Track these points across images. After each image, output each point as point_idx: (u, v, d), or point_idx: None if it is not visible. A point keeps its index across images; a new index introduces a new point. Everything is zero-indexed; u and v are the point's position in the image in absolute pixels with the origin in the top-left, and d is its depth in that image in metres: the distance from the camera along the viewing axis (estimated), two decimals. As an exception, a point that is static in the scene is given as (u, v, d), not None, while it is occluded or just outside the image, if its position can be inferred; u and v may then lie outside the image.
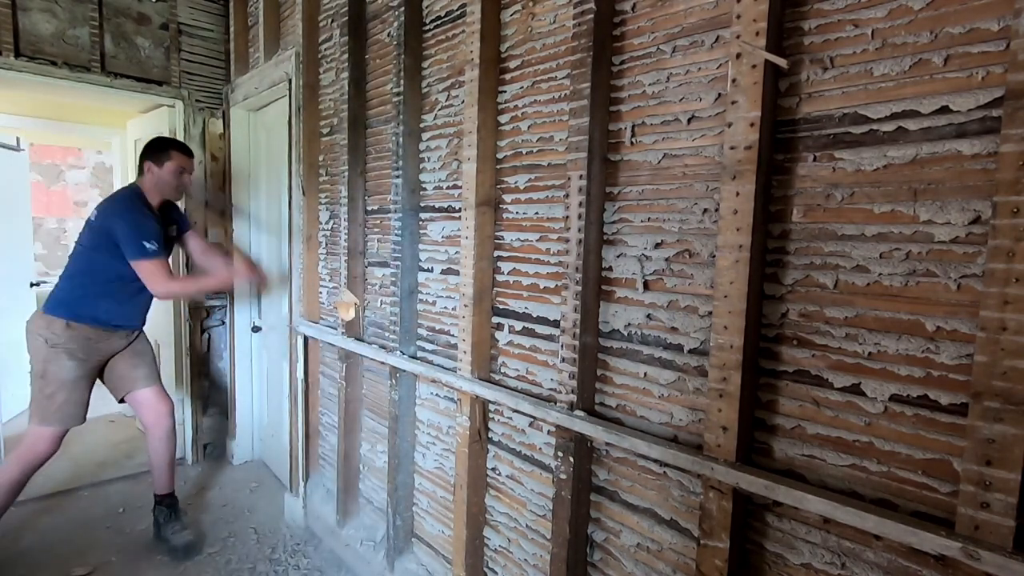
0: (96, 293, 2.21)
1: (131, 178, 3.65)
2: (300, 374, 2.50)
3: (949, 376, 0.86)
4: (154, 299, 2.34)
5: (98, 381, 2.34)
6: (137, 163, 2.32)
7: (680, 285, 1.18)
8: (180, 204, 2.78)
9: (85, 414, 2.25)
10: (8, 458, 2.20)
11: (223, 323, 3.25)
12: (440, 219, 1.80)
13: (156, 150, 2.30)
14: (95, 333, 2.23)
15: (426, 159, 1.85)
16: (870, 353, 0.93)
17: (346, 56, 2.09)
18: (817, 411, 1.00)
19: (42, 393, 2.15)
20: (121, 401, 2.42)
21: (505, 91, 1.56)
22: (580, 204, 1.28)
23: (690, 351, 1.16)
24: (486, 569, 1.69)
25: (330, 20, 2.28)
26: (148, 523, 2.55)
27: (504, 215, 1.59)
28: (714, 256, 1.10)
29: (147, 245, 2.14)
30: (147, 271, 2.17)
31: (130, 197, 2.25)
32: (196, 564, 2.30)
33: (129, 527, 2.55)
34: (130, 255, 2.14)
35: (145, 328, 2.45)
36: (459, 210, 1.70)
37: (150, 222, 2.20)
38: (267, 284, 2.85)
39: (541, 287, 1.48)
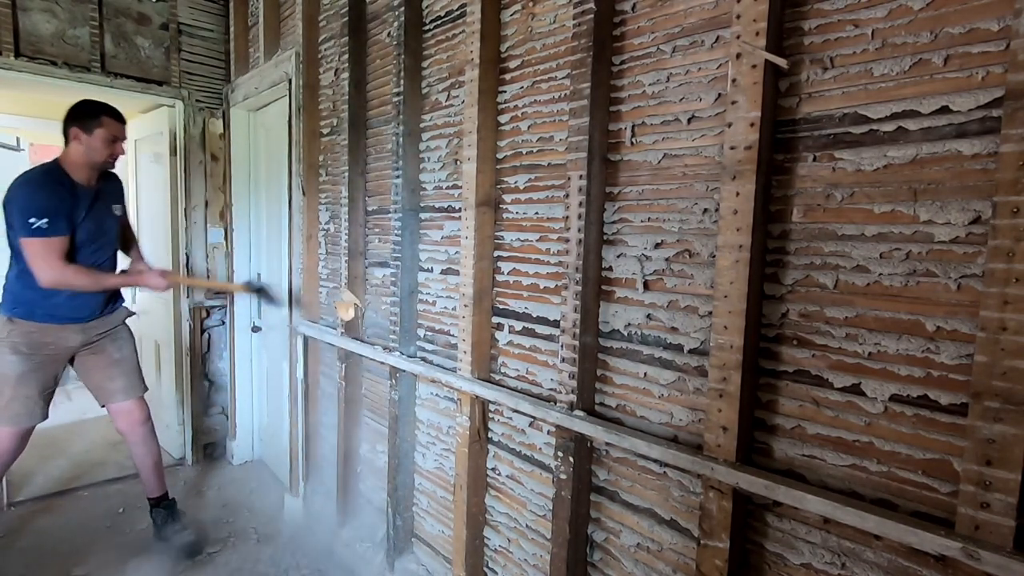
0: (32, 286, 2.01)
1: (131, 178, 3.67)
2: (300, 374, 2.50)
3: (949, 376, 0.86)
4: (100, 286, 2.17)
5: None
6: (62, 130, 2.06)
7: (680, 285, 1.18)
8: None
9: (42, 411, 2.13)
10: None
11: (223, 323, 3.25)
12: (440, 219, 1.80)
13: (84, 115, 2.05)
14: (39, 329, 2.08)
15: (426, 159, 1.85)
16: (870, 353, 0.93)
17: (346, 56, 2.09)
18: (817, 411, 1.00)
19: None
20: (103, 406, 2.35)
21: (505, 91, 1.56)
22: (580, 204, 1.28)
23: (690, 351, 1.16)
24: (486, 569, 1.69)
25: (330, 20, 2.28)
26: (148, 523, 2.55)
27: (504, 215, 1.59)
28: (714, 256, 1.10)
29: (33, 221, 1.89)
30: (32, 252, 1.94)
31: (38, 172, 2.03)
32: (197, 564, 2.30)
33: (129, 527, 2.55)
34: (17, 232, 1.95)
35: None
36: (459, 210, 1.70)
37: (51, 198, 1.95)
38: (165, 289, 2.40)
39: (541, 287, 1.48)
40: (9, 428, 2.06)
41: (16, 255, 2.04)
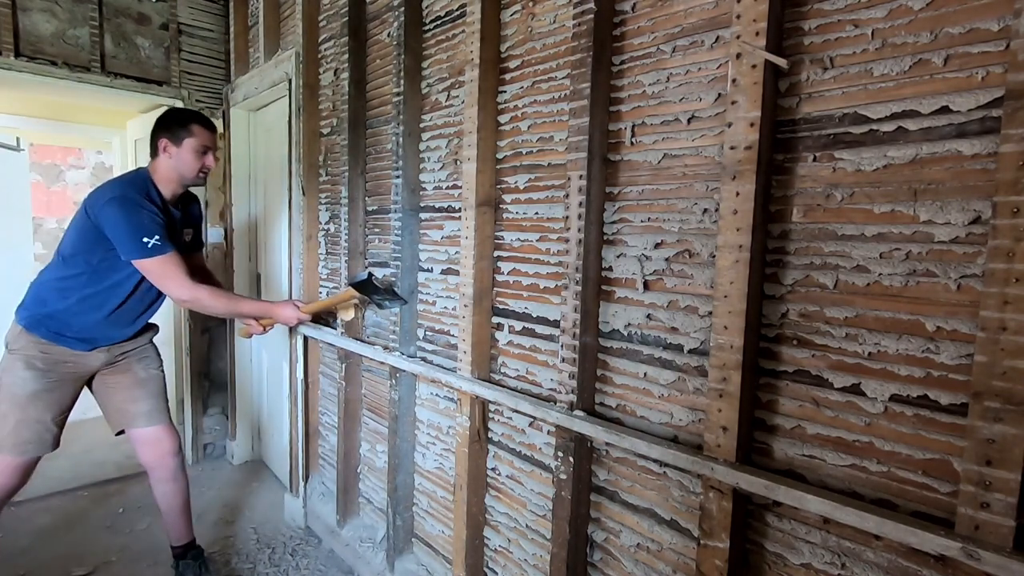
0: (67, 306, 1.80)
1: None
2: (300, 374, 2.50)
3: (949, 376, 0.86)
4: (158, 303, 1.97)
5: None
6: (150, 140, 1.89)
7: (680, 285, 1.18)
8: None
9: (54, 438, 1.84)
10: None
11: (223, 323, 3.25)
12: (440, 219, 1.80)
13: (173, 124, 1.86)
14: (56, 350, 1.82)
15: (426, 159, 1.85)
16: (870, 353, 0.93)
17: (346, 56, 2.09)
18: (817, 411, 1.00)
19: None
20: (119, 433, 2.03)
21: (505, 91, 1.56)
22: (580, 204, 1.28)
23: (690, 351, 1.16)
24: (486, 569, 1.69)
25: (330, 20, 2.28)
26: (148, 523, 2.55)
27: (504, 215, 1.59)
28: (714, 256, 1.10)
29: (146, 239, 1.72)
30: (156, 271, 1.77)
31: (129, 181, 1.83)
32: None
33: (129, 527, 2.55)
34: (126, 252, 1.73)
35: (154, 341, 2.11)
36: (459, 210, 1.70)
37: (151, 213, 1.77)
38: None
39: (541, 287, 1.48)
40: (13, 458, 1.75)
41: (58, 256, 1.84)
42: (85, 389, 1.99)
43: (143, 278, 1.84)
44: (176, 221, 1.93)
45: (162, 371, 2.09)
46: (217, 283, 2.18)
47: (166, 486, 2.03)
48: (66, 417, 1.91)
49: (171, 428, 2.04)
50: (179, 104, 3.00)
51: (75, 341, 1.84)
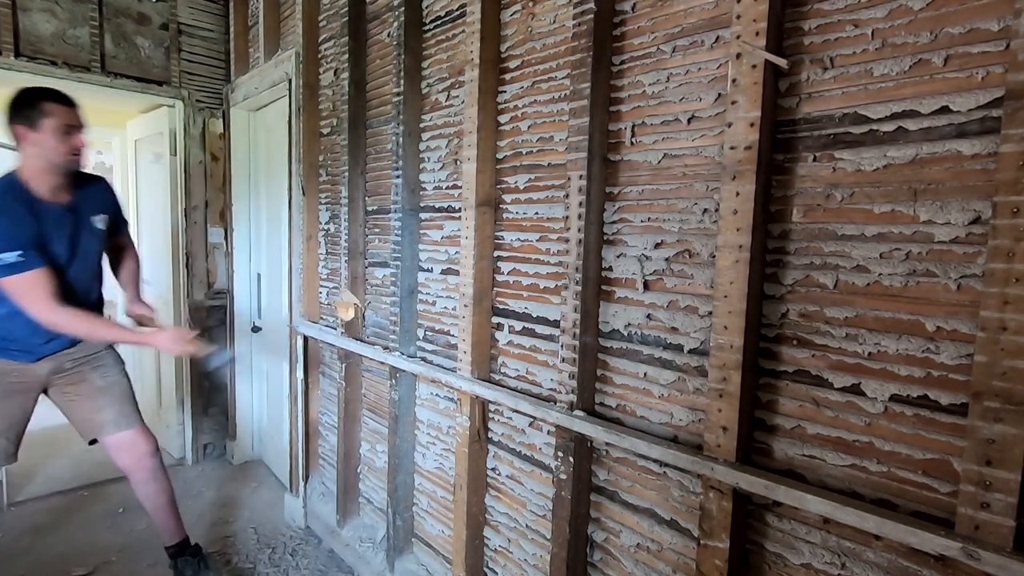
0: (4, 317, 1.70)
1: (131, 178, 3.67)
2: (300, 374, 2.50)
3: (949, 376, 0.86)
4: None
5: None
6: (9, 132, 1.68)
7: (680, 285, 1.18)
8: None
9: (8, 452, 1.83)
10: None
11: (223, 323, 3.25)
12: (440, 219, 1.80)
13: (24, 107, 1.63)
14: (9, 366, 1.77)
15: (426, 159, 1.85)
16: (870, 353, 0.93)
17: (346, 56, 2.09)
18: (817, 411, 1.00)
19: None
20: (92, 443, 1.98)
21: (505, 91, 1.56)
22: (580, 204, 1.28)
23: (690, 351, 1.16)
24: (486, 569, 1.69)
25: (330, 20, 2.28)
26: (148, 523, 2.54)
27: (504, 215, 1.59)
28: (714, 256, 1.10)
29: (11, 254, 1.58)
30: (15, 290, 1.62)
31: None
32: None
33: (129, 527, 2.55)
34: None
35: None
36: (459, 210, 1.70)
37: (15, 223, 1.62)
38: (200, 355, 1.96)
39: (541, 287, 1.48)
40: None
41: None
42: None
43: (71, 292, 1.75)
44: (63, 216, 1.76)
45: (124, 376, 2.02)
46: (136, 271, 2.10)
47: (148, 487, 1.99)
48: (21, 431, 1.87)
49: (144, 430, 1.98)
50: (179, 104, 3.01)
51: (16, 352, 1.78)
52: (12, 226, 1.61)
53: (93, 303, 1.93)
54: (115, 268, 2.10)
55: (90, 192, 1.87)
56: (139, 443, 1.95)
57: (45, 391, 1.92)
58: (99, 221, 1.87)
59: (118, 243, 2.05)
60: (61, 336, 1.82)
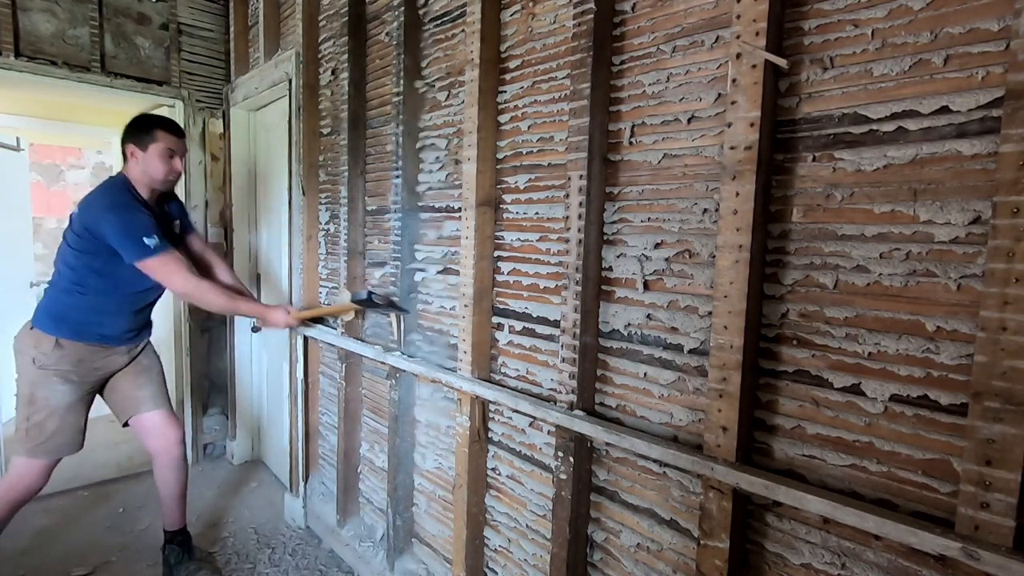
0: (89, 305, 1.90)
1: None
2: (300, 374, 2.50)
3: (949, 376, 0.86)
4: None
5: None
6: (121, 148, 1.95)
7: (680, 285, 1.18)
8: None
9: (82, 441, 2.00)
10: None
11: (223, 323, 3.25)
12: (440, 219, 1.80)
13: (138, 130, 1.91)
14: (90, 352, 1.93)
15: (426, 159, 1.85)
16: (870, 353, 0.93)
17: (346, 56, 2.09)
18: (817, 411, 1.00)
19: (30, 421, 1.87)
20: (125, 425, 2.12)
21: (505, 91, 1.56)
22: (580, 204, 1.28)
23: (690, 351, 1.16)
24: (486, 569, 1.69)
25: (330, 20, 2.28)
26: (148, 523, 2.55)
27: (504, 215, 1.59)
28: (714, 256, 1.10)
29: (147, 241, 1.81)
30: (158, 270, 1.86)
31: (114, 188, 1.90)
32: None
33: (129, 527, 2.55)
34: (130, 256, 1.81)
35: (151, 337, 2.21)
36: (459, 210, 1.70)
37: (143, 214, 1.86)
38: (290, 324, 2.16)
39: (541, 287, 1.48)
40: (46, 461, 1.91)
41: (65, 264, 1.90)
42: None
43: (143, 277, 1.90)
44: (159, 219, 1.97)
45: (160, 361, 2.20)
46: (222, 264, 2.29)
47: (170, 474, 2.12)
48: (87, 419, 2.04)
49: (176, 416, 2.17)
50: (179, 104, 3.01)
51: (100, 338, 1.95)
52: (144, 216, 1.86)
53: (156, 302, 2.14)
54: (211, 271, 2.26)
55: (171, 204, 2.13)
56: (171, 427, 2.12)
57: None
58: (176, 226, 2.13)
59: (196, 245, 2.24)
60: (144, 330, 2.11)
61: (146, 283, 1.94)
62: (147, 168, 1.91)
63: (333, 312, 2.14)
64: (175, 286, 1.91)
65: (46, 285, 2.01)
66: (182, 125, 2.99)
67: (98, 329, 1.94)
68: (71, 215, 1.92)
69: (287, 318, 2.11)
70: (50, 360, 1.88)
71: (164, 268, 1.87)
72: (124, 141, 1.93)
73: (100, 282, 1.90)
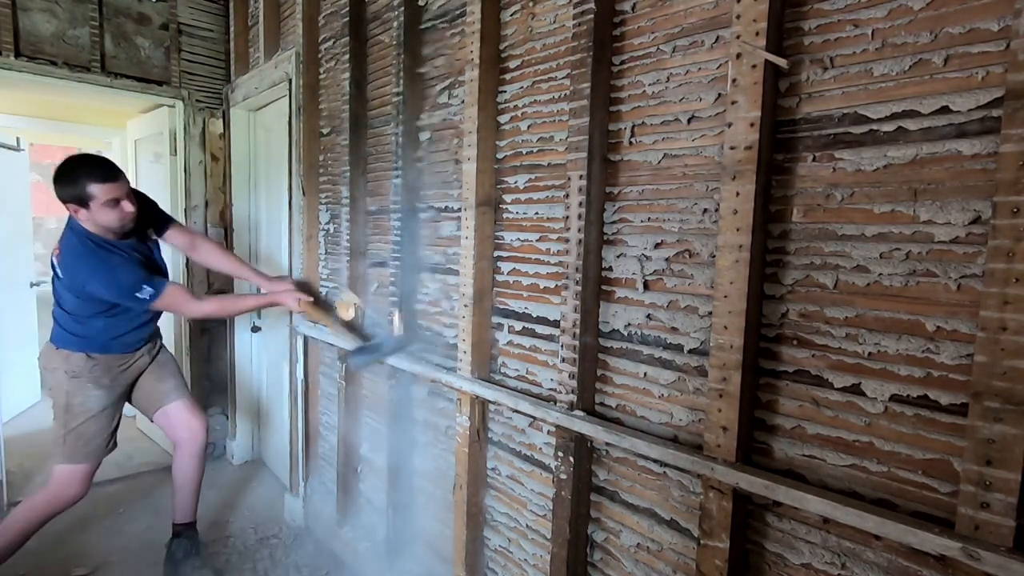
0: (107, 326, 1.97)
1: (132, 178, 3.67)
2: (300, 374, 2.50)
3: (949, 376, 0.86)
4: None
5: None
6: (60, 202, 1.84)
7: (680, 285, 1.18)
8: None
9: (116, 443, 2.10)
10: (30, 499, 2.02)
11: (223, 323, 3.25)
12: (440, 219, 1.80)
13: (69, 188, 1.77)
14: (119, 359, 2.04)
15: (426, 159, 1.85)
16: (870, 353, 0.93)
17: (346, 56, 2.09)
18: (817, 411, 1.00)
19: (67, 428, 1.93)
20: (153, 416, 2.20)
21: (505, 91, 1.56)
22: (580, 204, 1.28)
23: (690, 351, 1.16)
24: (486, 569, 1.69)
25: (330, 20, 2.28)
26: (148, 523, 2.55)
27: (504, 215, 1.59)
28: (714, 256, 1.10)
29: (145, 288, 1.86)
30: (167, 307, 1.98)
31: (82, 245, 1.84)
32: (196, 564, 2.29)
33: (129, 527, 2.55)
34: (139, 308, 1.94)
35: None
36: (459, 210, 1.70)
37: (120, 261, 1.87)
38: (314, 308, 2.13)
39: (541, 287, 1.48)
40: (88, 465, 1.99)
41: (67, 296, 1.91)
42: None
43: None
44: (134, 248, 1.98)
45: (175, 358, 2.31)
46: (210, 245, 2.31)
47: (190, 463, 2.17)
48: (119, 423, 2.13)
49: (198, 406, 2.24)
50: (179, 104, 3.00)
51: (123, 347, 2.04)
52: (126, 266, 1.88)
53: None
54: (212, 261, 2.31)
55: (140, 211, 1.99)
56: (196, 416, 2.19)
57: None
58: (151, 233, 2.11)
59: (182, 239, 2.24)
60: (158, 328, 2.21)
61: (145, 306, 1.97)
62: (98, 221, 1.83)
63: (331, 326, 2.12)
64: (189, 314, 2.01)
65: (47, 283, 2.06)
66: (182, 125, 3.01)
67: (121, 341, 2.03)
68: (53, 263, 1.90)
69: (296, 304, 2.09)
70: (83, 370, 1.95)
71: (170, 305, 1.97)
72: (61, 199, 1.80)
73: (111, 314, 1.96)
